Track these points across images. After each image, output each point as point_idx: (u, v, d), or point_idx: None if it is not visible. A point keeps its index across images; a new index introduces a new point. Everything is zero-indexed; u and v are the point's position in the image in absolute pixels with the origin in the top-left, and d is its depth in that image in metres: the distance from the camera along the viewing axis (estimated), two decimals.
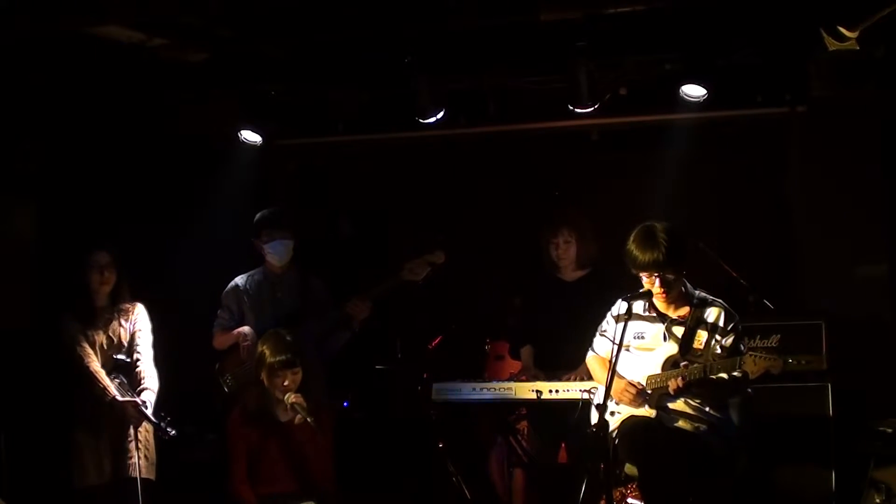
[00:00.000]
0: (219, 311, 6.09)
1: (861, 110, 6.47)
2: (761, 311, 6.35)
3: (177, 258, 6.88)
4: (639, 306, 5.15)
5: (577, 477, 5.36)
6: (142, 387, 5.72)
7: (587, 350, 5.50)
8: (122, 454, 5.66)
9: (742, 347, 5.06)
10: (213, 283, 6.24)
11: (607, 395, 4.94)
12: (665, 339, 5.11)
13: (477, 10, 5.72)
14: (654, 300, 5.12)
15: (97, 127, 6.77)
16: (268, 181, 7.56)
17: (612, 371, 4.87)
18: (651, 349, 5.13)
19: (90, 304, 5.80)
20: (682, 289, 5.11)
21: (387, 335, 7.07)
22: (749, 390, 5.13)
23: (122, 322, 5.84)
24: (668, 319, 5.12)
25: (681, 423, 5.04)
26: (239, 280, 6.12)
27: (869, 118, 6.51)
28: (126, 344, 5.83)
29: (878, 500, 5.54)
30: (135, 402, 5.62)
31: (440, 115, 6.49)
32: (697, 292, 5.15)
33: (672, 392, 4.99)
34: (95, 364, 5.69)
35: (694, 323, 5.07)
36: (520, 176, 7.62)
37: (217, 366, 6.02)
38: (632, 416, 5.13)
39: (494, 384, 5.97)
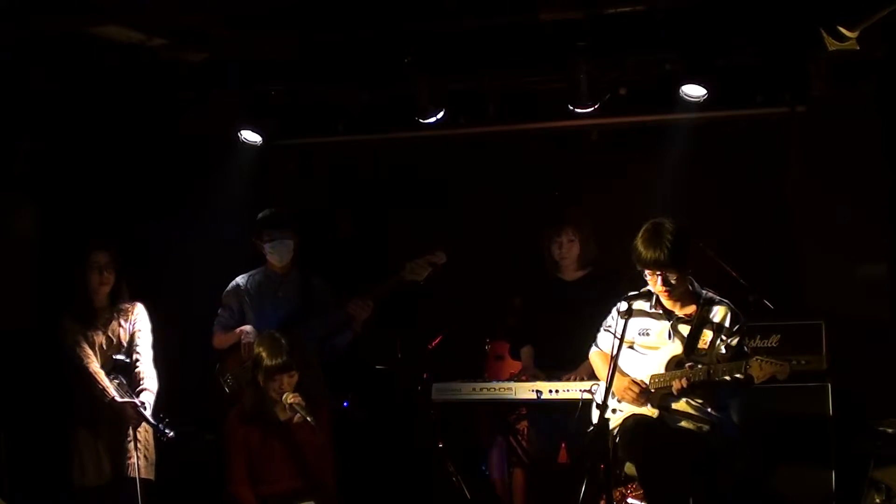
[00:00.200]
0: (219, 311, 6.10)
1: (861, 110, 6.46)
2: (761, 311, 6.33)
3: (177, 258, 6.88)
4: (645, 303, 5.15)
5: (577, 477, 5.35)
6: (141, 387, 5.72)
7: (587, 350, 5.50)
8: (121, 454, 5.66)
9: (746, 349, 5.06)
10: (213, 283, 6.24)
11: (608, 392, 4.95)
12: (670, 336, 5.11)
13: (477, 10, 5.72)
14: (660, 297, 5.12)
15: (97, 127, 6.77)
16: (268, 181, 7.56)
17: (614, 367, 4.88)
18: (656, 347, 5.13)
19: (90, 304, 5.79)
20: (689, 287, 5.11)
21: (387, 335, 7.07)
22: None
23: (122, 322, 5.84)
24: (675, 317, 5.12)
25: (684, 424, 5.04)
26: (240, 280, 6.13)
27: (869, 118, 6.50)
28: (125, 344, 5.82)
29: (878, 500, 5.54)
30: (133, 402, 5.61)
31: (440, 115, 6.48)
32: (705, 291, 5.14)
33: (675, 392, 4.99)
34: (95, 365, 5.69)
35: (700, 322, 5.07)
36: (520, 176, 7.61)
37: (217, 366, 6.03)
38: (633, 415, 5.13)
39: (494, 384, 5.97)
